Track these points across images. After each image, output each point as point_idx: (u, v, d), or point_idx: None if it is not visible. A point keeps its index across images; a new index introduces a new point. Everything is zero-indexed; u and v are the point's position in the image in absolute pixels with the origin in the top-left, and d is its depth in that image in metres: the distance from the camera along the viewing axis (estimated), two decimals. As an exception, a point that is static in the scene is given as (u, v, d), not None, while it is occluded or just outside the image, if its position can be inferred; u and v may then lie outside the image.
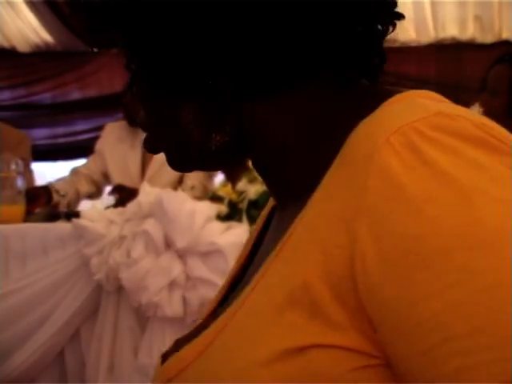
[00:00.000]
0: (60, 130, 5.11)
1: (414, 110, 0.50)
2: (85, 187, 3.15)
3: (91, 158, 3.29)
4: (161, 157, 2.57)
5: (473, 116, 0.50)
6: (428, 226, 0.44)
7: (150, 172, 3.08)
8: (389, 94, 0.55)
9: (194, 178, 3.00)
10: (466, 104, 4.31)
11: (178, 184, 3.02)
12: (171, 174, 3.02)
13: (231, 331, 0.53)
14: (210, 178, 3.13)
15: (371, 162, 0.48)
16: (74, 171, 3.21)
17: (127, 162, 3.15)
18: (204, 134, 0.57)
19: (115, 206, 2.70)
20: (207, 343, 0.54)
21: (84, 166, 3.27)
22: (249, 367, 0.49)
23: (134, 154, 3.15)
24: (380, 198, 0.46)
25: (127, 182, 3.06)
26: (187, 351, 0.56)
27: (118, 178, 3.13)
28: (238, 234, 2.01)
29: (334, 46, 0.55)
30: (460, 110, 0.51)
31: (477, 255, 0.43)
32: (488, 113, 2.78)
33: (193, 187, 2.84)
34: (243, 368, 0.49)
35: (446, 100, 0.56)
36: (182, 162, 0.62)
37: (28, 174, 3.33)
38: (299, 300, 0.48)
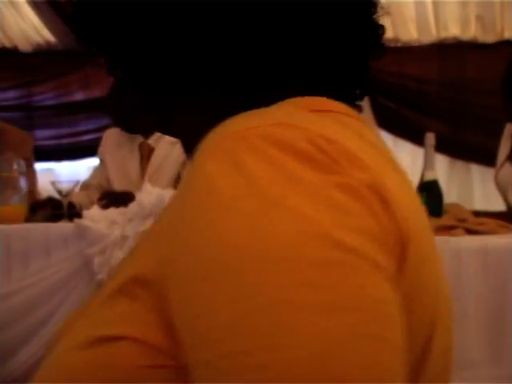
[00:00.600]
0: (63, 131, 5.11)
1: (260, 117, 0.51)
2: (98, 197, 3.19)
3: (95, 167, 3.34)
4: (158, 158, 2.60)
5: (320, 130, 0.48)
6: (221, 236, 0.44)
7: (148, 174, 3.11)
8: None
9: None
10: (468, 103, 4.30)
11: (176, 184, 3.04)
12: (169, 175, 3.05)
13: (84, 312, 0.55)
14: None
15: (198, 163, 0.48)
16: (84, 185, 3.24)
17: (127, 165, 3.18)
18: (131, 113, 0.68)
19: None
20: (76, 318, 0.56)
21: (90, 177, 3.30)
22: (72, 348, 0.50)
23: (133, 158, 3.18)
24: (193, 202, 0.47)
25: (127, 186, 3.08)
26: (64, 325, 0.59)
27: (118, 182, 3.16)
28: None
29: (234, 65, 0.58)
30: (310, 121, 0.50)
31: (263, 271, 0.42)
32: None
33: None
34: (70, 348, 0.51)
35: (330, 108, 0.56)
36: None
37: (31, 174, 3.34)
38: (127, 290, 0.49)
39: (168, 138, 3.09)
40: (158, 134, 3.12)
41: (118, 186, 3.13)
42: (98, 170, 3.31)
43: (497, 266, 1.89)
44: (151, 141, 3.12)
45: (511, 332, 1.88)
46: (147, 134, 3.13)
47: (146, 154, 3.15)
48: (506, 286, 1.88)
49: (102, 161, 3.28)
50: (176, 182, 3.04)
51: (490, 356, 1.88)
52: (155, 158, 3.11)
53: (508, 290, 1.88)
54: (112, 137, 3.27)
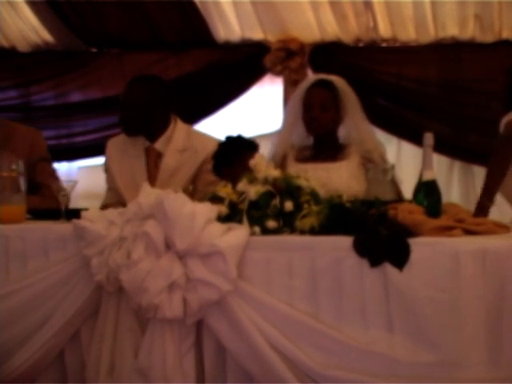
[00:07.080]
0: (62, 131, 5.11)
1: None
2: None
3: (106, 189, 3.34)
4: (169, 166, 2.66)
5: None
6: None
7: (159, 182, 3.10)
8: None
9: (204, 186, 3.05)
10: (466, 103, 4.31)
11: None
12: (182, 184, 3.04)
13: None
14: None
15: None
16: (105, 207, 3.22)
17: (134, 172, 3.20)
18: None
19: None
20: None
21: (107, 198, 3.30)
22: None
23: (139, 164, 3.20)
24: None
25: (135, 193, 3.10)
26: None
27: (126, 190, 3.16)
28: (238, 236, 2.01)
29: None
30: None
31: None
32: None
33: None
34: None
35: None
36: None
37: (50, 169, 3.29)
38: None
39: (175, 145, 3.14)
40: (163, 139, 3.16)
41: (128, 193, 3.13)
42: (109, 192, 3.31)
43: (495, 267, 1.88)
44: (157, 145, 3.16)
45: (509, 333, 1.88)
46: (152, 138, 3.17)
47: (153, 159, 3.18)
48: (504, 287, 1.88)
49: (109, 175, 3.28)
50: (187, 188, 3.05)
51: (488, 357, 1.88)
52: (166, 166, 3.14)
53: (506, 291, 1.88)
54: (114, 146, 3.29)
